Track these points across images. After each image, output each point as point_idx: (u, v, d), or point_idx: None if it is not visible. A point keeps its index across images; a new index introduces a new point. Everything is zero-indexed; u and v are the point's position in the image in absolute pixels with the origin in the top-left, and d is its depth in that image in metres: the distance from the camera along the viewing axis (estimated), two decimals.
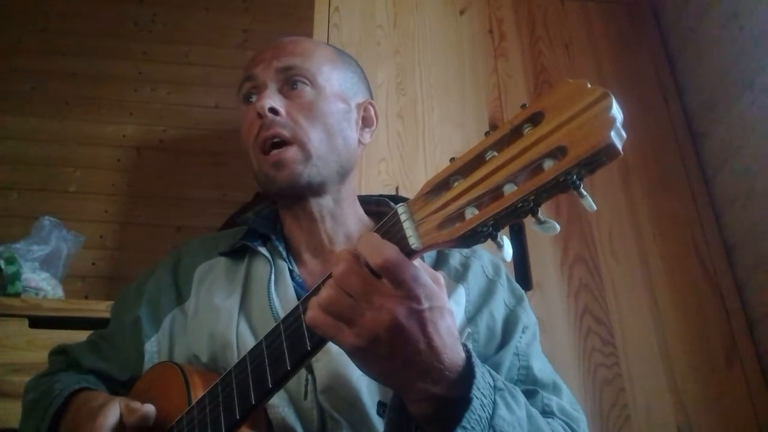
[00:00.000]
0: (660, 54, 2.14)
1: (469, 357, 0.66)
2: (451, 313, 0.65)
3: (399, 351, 0.61)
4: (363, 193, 1.13)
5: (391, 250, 0.60)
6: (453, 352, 0.64)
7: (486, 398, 0.66)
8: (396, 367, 0.63)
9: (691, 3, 2.06)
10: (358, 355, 0.63)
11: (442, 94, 1.97)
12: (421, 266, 0.64)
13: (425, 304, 0.61)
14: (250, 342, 0.86)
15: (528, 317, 0.95)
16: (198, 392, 0.80)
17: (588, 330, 1.69)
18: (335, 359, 0.83)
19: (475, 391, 0.64)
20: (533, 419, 0.73)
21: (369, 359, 0.63)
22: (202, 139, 2.61)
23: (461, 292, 0.93)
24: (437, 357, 0.62)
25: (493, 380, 0.69)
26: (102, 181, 2.50)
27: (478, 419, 0.64)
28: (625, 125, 0.52)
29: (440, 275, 0.66)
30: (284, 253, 0.98)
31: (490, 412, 0.66)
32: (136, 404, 0.81)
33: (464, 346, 0.67)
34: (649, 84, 2.07)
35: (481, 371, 0.67)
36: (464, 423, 0.63)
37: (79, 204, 2.43)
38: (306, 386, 0.83)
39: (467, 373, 0.65)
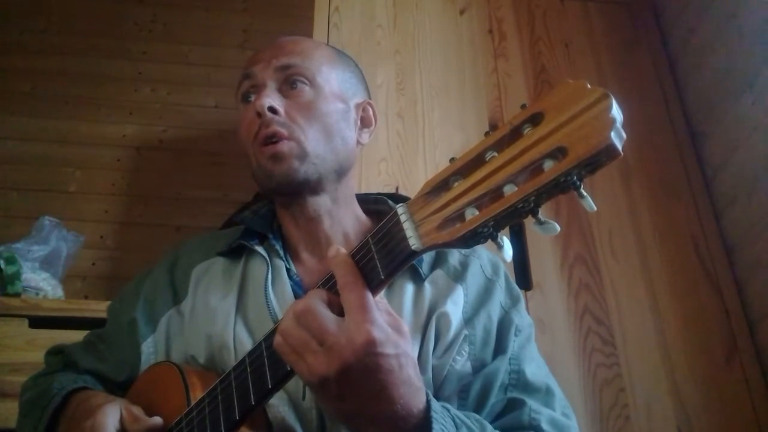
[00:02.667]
0: (660, 54, 2.14)
1: (428, 408, 0.66)
2: (413, 362, 0.65)
3: (349, 395, 0.62)
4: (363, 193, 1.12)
5: (355, 295, 0.62)
6: (409, 403, 0.64)
7: None
8: (348, 410, 0.63)
9: (691, 3, 2.06)
10: (312, 389, 0.65)
11: (442, 94, 1.97)
12: (386, 311, 0.65)
13: (379, 350, 0.61)
14: (247, 343, 0.86)
15: (522, 319, 0.94)
16: (197, 393, 0.80)
17: (588, 330, 1.68)
18: None
19: None
20: None
21: (322, 397, 0.64)
22: (202, 139, 2.61)
23: (459, 292, 0.93)
24: (390, 407, 0.62)
25: (456, 428, 0.69)
26: (102, 181, 2.50)
27: None
28: (624, 125, 0.52)
29: (403, 323, 0.66)
30: (281, 252, 0.97)
31: None
32: (140, 412, 0.81)
33: (427, 394, 0.67)
34: (649, 84, 2.07)
35: (440, 424, 0.66)
36: None
37: (79, 204, 2.43)
38: (304, 387, 0.83)
39: (425, 424, 0.65)
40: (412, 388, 0.64)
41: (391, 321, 0.64)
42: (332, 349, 0.61)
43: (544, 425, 0.83)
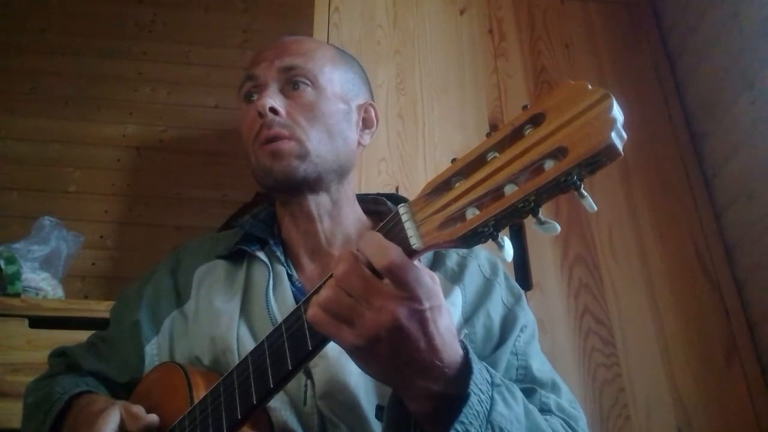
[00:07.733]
0: (660, 54, 2.14)
1: (466, 353, 0.67)
2: (448, 310, 0.65)
3: (400, 350, 0.61)
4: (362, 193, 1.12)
5: (395, 252, 0.60)
6: (452, 350, 0.64)
7: (483, 394, 0.66)
8: (396, 366, 0.63)
9: (691, 3, 2.06)
10: (358, 354, 0.63)
11: (442, 94, 1.97)
12: (419, 265, 0.64)
13: (426, 305, 0.61)
14: (250, 346, 0.85)
15: (526, 316, 0.95)
16: (200, 392, 0.80)
17: (588, 330, 1.69)
18: (333, 364, 0.83)
19: (472, 387, 0.65)
20: (531, 415, 0.74)
21: (369, 359, 0.63)
22: (202, 139, 2.61)
23: (457, 293, 0.93)
24: (437, 355, 0.63)
25: (491, 376, 0.69)
26: (102, 181, 2.50)
27: (476, 414, 0.64)
28: (625, 125, 0.52)
29: (435, 274, 0.67)
30: (282, 258, 0.97)
31: (488, 407, 0.66)
32: (140, 410, 0.81)
33: (461, 342, 0.67)
34: (649, 84, 2.07)
35: (478, 367, 0.67)
36: (462, 418, 0.63)
37: (79, 204, 2.44)
38: (305, 392, 0.83)
39: (465, 369, 0.66)
40: (451, 334, 0.65)
41: (427, 272, 0.65)
42: (383, 308, 0.60)
43: (554, 409, 0.85)
